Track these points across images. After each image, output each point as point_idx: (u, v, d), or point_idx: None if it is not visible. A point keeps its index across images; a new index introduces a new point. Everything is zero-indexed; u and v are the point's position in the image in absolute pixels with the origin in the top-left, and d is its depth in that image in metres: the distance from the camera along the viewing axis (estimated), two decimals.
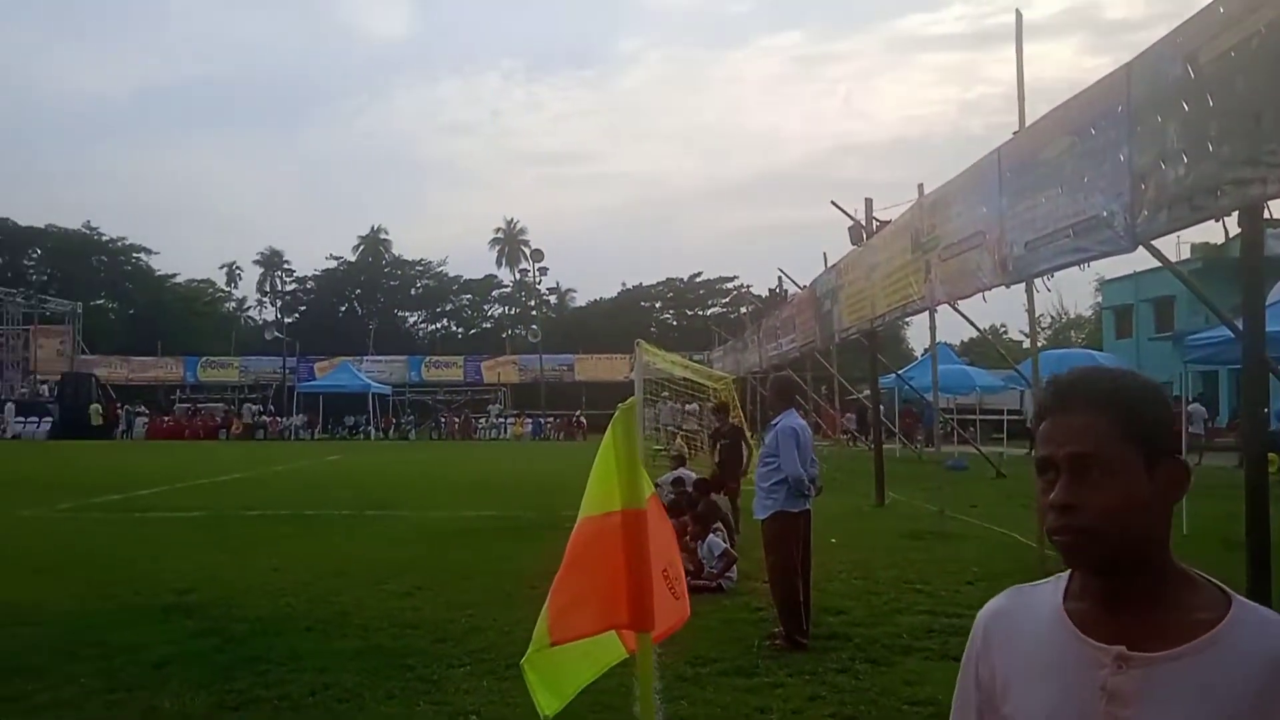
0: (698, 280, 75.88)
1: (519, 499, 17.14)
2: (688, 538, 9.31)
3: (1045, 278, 9.93)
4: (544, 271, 76.95)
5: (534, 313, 74.42)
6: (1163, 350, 34.13)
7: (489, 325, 79.01)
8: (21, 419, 46.30)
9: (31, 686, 5.90)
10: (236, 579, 9.46)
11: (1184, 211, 6.84)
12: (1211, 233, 30.41)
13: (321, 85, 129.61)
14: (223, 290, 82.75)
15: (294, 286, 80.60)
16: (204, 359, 61.79)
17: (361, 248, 79.55)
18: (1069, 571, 1.37)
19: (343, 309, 77.68)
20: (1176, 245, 30.27)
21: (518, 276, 78.72)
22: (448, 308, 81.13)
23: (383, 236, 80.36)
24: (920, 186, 13.48)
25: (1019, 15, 10.18)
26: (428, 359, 63.26)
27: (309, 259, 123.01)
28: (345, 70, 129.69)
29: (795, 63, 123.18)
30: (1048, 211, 9.03)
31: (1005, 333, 59.41)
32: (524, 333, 71.08)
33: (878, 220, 17.40)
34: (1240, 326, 6.82)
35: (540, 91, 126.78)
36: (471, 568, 10.12)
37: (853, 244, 18.59)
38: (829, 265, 21.14)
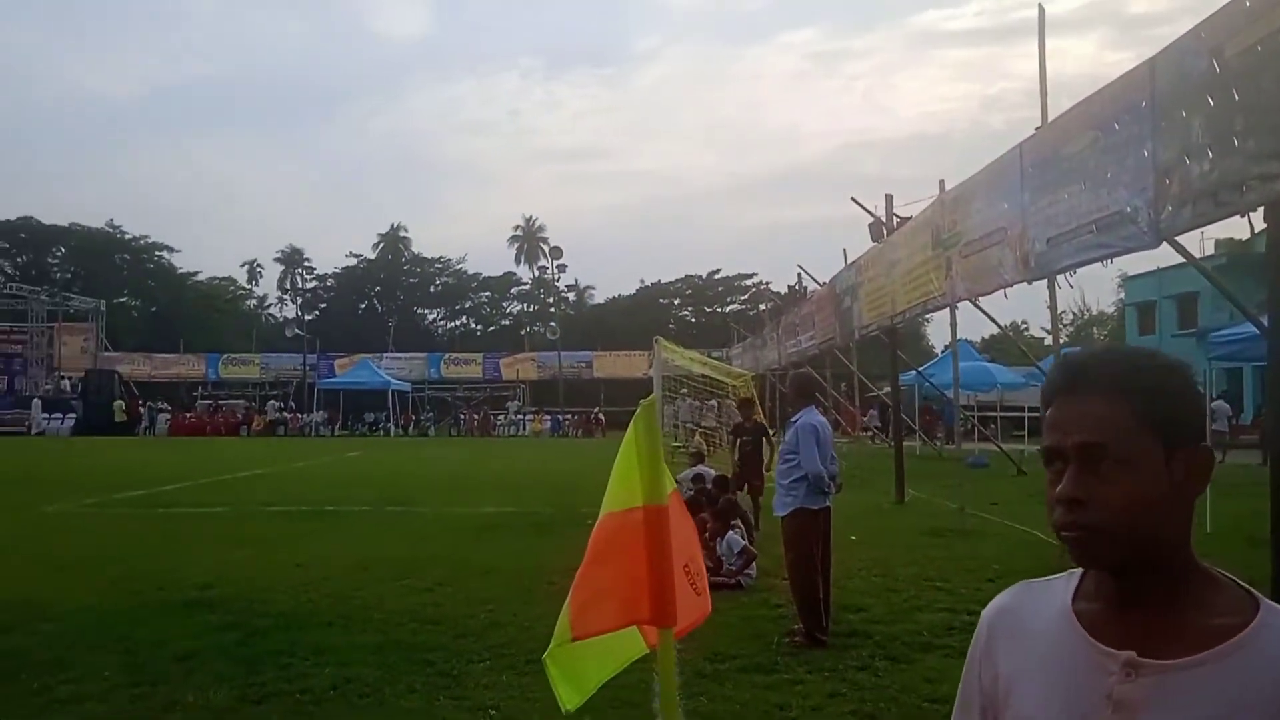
0: (716, 277, 75.76)
1: (538, 495, 17.18)
2: (707, 535, 9.30)
3: (1067, 274, 9.87)
4: (563, 269, 77.00)
5: (553, 310, 74.52)
6: (1186, 347, 33.78)
7: (508, 322, 79.18)
8: (46, 415, 46.78)
9: (57, 680, 5.96)
10: (259, 574, 9.53)
11: (1208, 207, 6.78)
12: (1236, 228, 30.17)
13: (342, 85, 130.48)
14: (244, 288, 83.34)
15: (314, 284, 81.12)
16: (225, 356, 62.20)
17: (381, 245, 79.88)
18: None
19: (363, 306, 78.03)
20: (1200, 241, 30.08)
21: (536, 274, 78.87)
22: (467, 305, 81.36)
23: (402, 234, 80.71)
24: (941, 183, 13.42)
25: (1041, 10, 10.12)
26: (447, 356, 63.43)
27: (329, 257, 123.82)
28: (365, 70, 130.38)
29: (814, 59, 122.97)
30: (1070, 207, 8.97)
31: (1026, 329, 59.12)
32: (543, 330, 71.17)
33: (898, 216, 17.33)
34: (1265, 322, 6.75)
35: (558, 90, 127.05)
36: (491, 564, 10.16)
37: (873, 240, 18.53)
38: (849, 262, 21.06)
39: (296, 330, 60.86)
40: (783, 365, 30.62)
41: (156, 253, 76.31)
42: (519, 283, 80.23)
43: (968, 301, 13.01)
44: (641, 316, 66.34)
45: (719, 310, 73.17)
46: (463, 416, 54.79)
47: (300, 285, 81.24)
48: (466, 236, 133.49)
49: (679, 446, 19.02)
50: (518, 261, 79.64)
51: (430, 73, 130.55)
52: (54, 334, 57.60)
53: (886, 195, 18.00)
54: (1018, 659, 1.28)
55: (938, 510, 14.45)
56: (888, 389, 22.58)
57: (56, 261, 74.22)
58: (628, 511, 2.27)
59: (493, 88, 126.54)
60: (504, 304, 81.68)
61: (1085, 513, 1.16)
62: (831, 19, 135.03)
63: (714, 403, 23.90)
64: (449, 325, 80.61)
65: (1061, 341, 14.17)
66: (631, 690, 5.22)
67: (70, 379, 53.79)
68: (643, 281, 77.27)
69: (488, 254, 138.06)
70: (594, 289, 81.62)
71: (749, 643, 6.97)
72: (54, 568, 9.88)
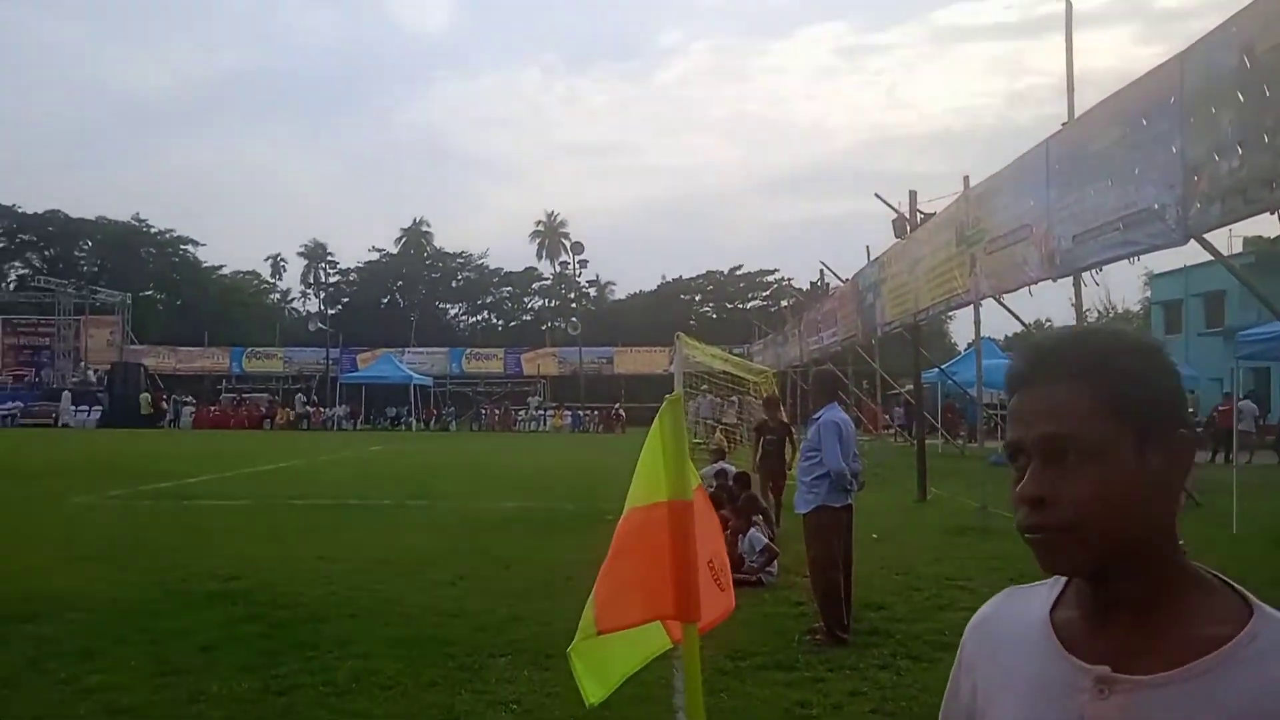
0: (738, 273, 75.63)
1: (558, 491, 17.22)
2: (729, 531, 9.29)
3: (1093, 271, 9.80)
4: (584, 264, 76.78)
5: (574, 305, 74.60)
6: (1213, 346, 33.54)
7: (529, 318, 79.37)
8: (72, 407, 47.27)
9: (84, 669, 6.03)
10: (282, 566, 9.59)
11: (1237, 204, 6.72)
12: (1266, 225, 29.86)
13: (365, 79, 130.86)
14: (267, 282, 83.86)
15: (337, 278, 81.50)
16: (248, 350, 62.65)
17: (404, 240, 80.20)
18: None
19: (385, 301, 78.39)
20: (1228, 238, 29.73)
21: (558, 269, 78.88)
22: (488, 300, 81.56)
23: (425, 229, 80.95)
24: (966, 179, 13.35)
25: (1069, 4, 10.04)
26: (468, 351, 63.69)
27: (352, 251, 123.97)
28: (388, 65, 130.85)
29: (838, 54, 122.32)
30: (1097, 204, 8.91)
31: (1051, 327, 58.56)
32: (564, 325, 71.40)
33: (921, 213, 17.24)
34: None
35: (581, 84, 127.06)
36: (512, 558, 10.19)
37: (896, 237, 18.44)
38: (871, 258, 20.99)
39: (319, 324, 61.21)
40: (804, 362, 30.54)
41: (182, 246, 76.94)
42: (540, 278, 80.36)
43: (991, 299, 12.93)
44: (663, 312, 66.30)
45: (740, 306, 73.07)
46: (484, 411, 54.99)
47: (323, 279, 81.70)
48: (488, 231, 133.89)
49: (699, 443, 19.00)
50: (539, 257, 79.77)
51: (454, 67, 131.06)
52: (80, 326, 58.14)
53: (910, 191, 17.93)
54: (994, 672, 1.19)
55: (960, 509, 14.37)
56: (910, 386, 22.47)
57: (84, 255, 74.95)
58: (652, 506, 2.27)
59: (516, 82, 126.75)
60: (525, 299, 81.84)
61: (1050, 512, 1.05)
62: (856, 13, 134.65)
63: (735, 399, 23.86)
64: (470, 320, 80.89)
65: None
66: (651, 686, 5.24)
67: (96, 371, 54.33)
68: (664, 277, 77.34)
69: (509, 249, 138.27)
70: (615, 284, 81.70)
71: (770, 640, 6.96)
72: (81, 559, 9.99)
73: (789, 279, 65.87)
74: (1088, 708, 1.05)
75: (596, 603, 2.18)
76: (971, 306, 13.65)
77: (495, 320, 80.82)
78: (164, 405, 49.08)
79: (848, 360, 28.20)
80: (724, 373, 21.36)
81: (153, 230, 75.62)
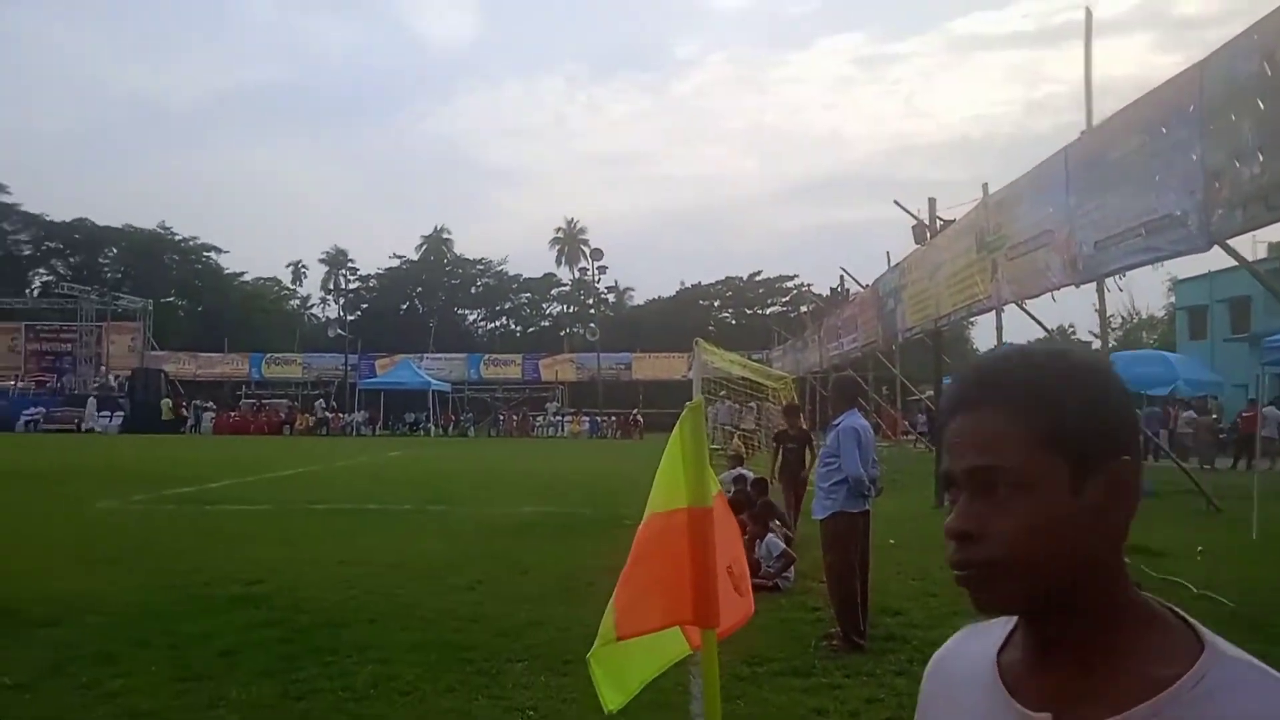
0: (757, 279, 75.54)
1: (576, 496, 17.23)
2: (746, 536, 9.28)
3: (1116, 277, 9.74)
4: (603, 270, 77.10)
5: (592, 311, 74.68)
6: (1239, 352, 33.21)
7: (547, 324, 79.50)
8: (96, 413, 47.65)
9: (106, 673, 6.07)
10: (302, 571, 9.64)
11: (1259, 210, 6.67)
12: None
13: (388, 89, 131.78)
14: (288, 288, 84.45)
15: (357, 285, 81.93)
16: (268, 356, 63.03)
17: (424, 247, 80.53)
18: None
19: (404, 307, 78.71)
20: (1252, 244, 29.48)
21: (577, 275, 79.03)
22: (507, 306, 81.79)
23: (445, 236, 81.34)
24: (985, 186, 13.30)
25: (1088, 13, 10.00)
26: (487, 357, 63.82)
27: (373, 258, 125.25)
28: (412, 74, 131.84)
29: (856, 63, 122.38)
30: (1118, 210, 8.86)
31: (1074, 333, 58.25)
32: (582, 331, 71.41)
33: (941, 219, 17.20)
34: None
35: (602, 95, 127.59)
36: (530, 563, 10.20)
37: (916, 243, 18.39)
38: (892, 264, 20.92)
39: (339, 330, 61.51)
40: (824, 368, 30.46)
41: (205, 253, 77.57)
42: (559, 284, 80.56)
43: (1014, 304, 12.87)
44: (681, 318, 66.30)
45: (759, 312, 72.99)
46: (502, 417, 55.10)
47: (343, 286, 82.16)
48: (508, 238, 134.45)
49: (717, 449, 18.99)
50: (558, 263, 79.99)
51: (476, 77, 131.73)
52: (103, 333, 58.68)
53: (930, 198, 17.91)
54: (948, 713, 1.13)
55: None
56: (931, 392, 22.37)
57: (108, 262, 75.66)
58: (672, 513, 2.28)
59: (537, 92, 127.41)
60: (544, 305, 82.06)
61: (977, 549, 0.99)
62: (874, 23, 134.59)
63: (753, 405, 23.83)
64: (489, 326, 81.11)
65: (1110, 345, 13.97)
66: (669, 693, 5.24)
67: (117, 377, 54.77)
68: (683, 283, 77.45)
69: (529, 256, 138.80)
70: (634, 290, 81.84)
71: (786, 646, 6.95)
72: (103, 563, 10.07)
73: (809, 285, 65.77)
74: None
75: (616, 608, 2.19)
76: (993, 312, 13.58)
77: (514, 326, 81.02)
78: (184, 411, 49.42)
79: (868, 366, 28.12)
80: (743, 378, 21.32)
81: (177, 237, 76.35)
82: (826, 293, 53.01)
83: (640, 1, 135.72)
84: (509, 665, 6.40)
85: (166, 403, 48.08)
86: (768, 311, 72.01)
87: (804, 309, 52.00)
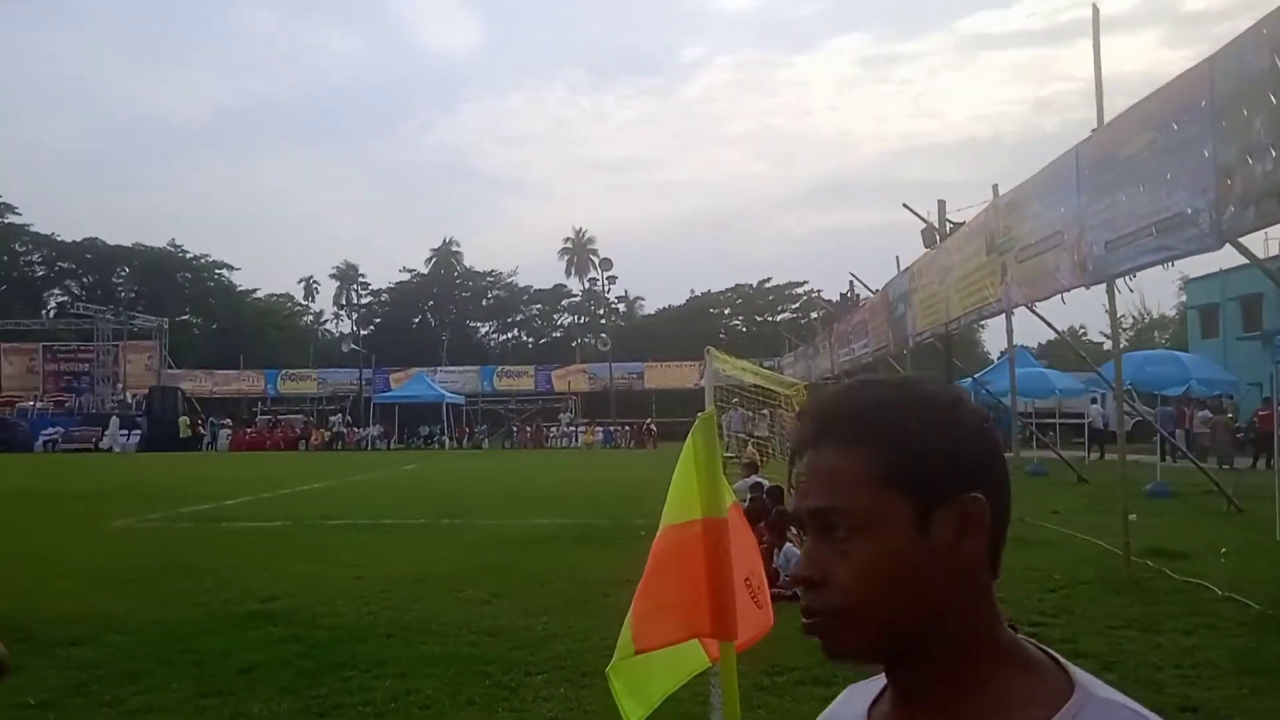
0: (767, 286, 75.56)
1: (592, 507, 17.22)
2: (763, 546, 9.26)
3: (1127, 277, 9.70)
4: (613, 280, 77.35)
5: (603, 321, 74.85)
6: (1251, 350, 33.02)
7: (559, 335, 79.70)
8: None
9: (128, 691, 6.09)
10: (319, 587, 9.65)
11: (1272, 207, 6.64)
12: None
13: (393, 102, 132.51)
14: (301, 304, 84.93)
15: (369, 299, 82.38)
16: (283, 372, 63.40)
17: (434, 260, 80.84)
18: None
19: (416, 321, 79.02)
20: (1264, 242, 29.29)
21: (587, 285, 79.21)
22: (518, 318, 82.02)
23: (454, 248, 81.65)
24: (995, 187, 13.28)
25: (1096, 9, 9.97)
26: (499, 369, 64.04)
27: (383, 272, 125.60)
28: (415, 86, 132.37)
29: (862, 64, 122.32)
30: (1129, 210, 8.83)
31: (1085, 334, 58.17)
32: (594, 341, 71.60)
33: (951, 222, 17.18)
34: None
35: (606, 101, 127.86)
36: (547, 575, 10.19)
37: (925, 247, 18.37)
38: (901, 268, 20.89)
39: (352, 345, 61.81)
40: (835, 374, 30.41)
41: (217, 271, 78.13)
42: (570, 295, 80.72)
43: (1024, 307, 12.84)
44: (692, 326, 66.40)
45: (770, 319, 73.04)
46: (516, 429, 55.22)
47: (355, 301, 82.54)
48: (517, 249, 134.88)
49: (731, 457, 18.95)
50: (568, 273, 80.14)
51: (481, 86, 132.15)
52: (119, 352, 59.09)
53: (939, 201, 17.92)
54: None
55: None
56: None
57: (121, 281, 76.26)
58: (687, 525, 2.28)
59: (540, 100, 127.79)
60: (555, 316, 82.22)
61: (820, 595, 0.94)
62: (880, 24, 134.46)
63: (766, 412, 23.77)
64: (501, 338, 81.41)
65: (1121, 346, 13.92)
66: (689, 704, 5.23)
67: (134, 396, 55.12)
68: (693, 291, 77.48)
69: (538, 266, 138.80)
70: (644, 300, 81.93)
71: (807, 655, 6.91)
72: (123, 581, 10.11)
73: (819, 291, 65.85)
74: None
75: (633, 622, 2.19)
76: (1004, 315, 13.55)
77: (526, 338, 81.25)
78: (201, 429, 49.68)
79: (879, 371, 28.04)
80: (755, 386, 21.26)
81: (188, 255, 76.90)
82: (836, 298, 52.94)
83: (644, 6, 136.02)
84: (528, 678, 6.39)
85: (184, 420, 48.34)
86: (778, 318, 72.08)
87: (814, 315, 51.99)
